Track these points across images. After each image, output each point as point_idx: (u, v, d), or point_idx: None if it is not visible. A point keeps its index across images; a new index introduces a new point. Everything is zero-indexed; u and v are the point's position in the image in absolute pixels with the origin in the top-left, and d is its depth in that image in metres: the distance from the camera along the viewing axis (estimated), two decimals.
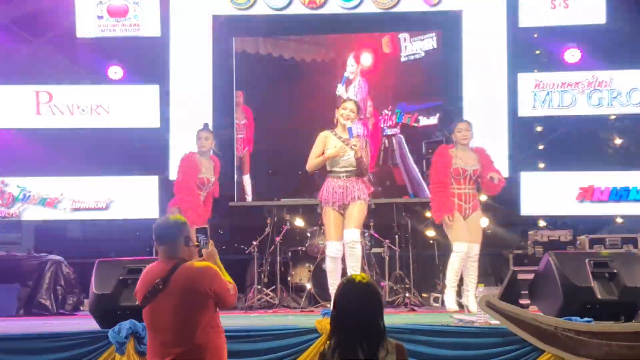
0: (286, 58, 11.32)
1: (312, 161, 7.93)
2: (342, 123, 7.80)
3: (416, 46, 11.09)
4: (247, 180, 11.15)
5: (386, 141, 11.01)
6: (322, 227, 9.88)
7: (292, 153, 10.96)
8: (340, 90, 10.98)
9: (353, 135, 7.75)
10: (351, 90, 10.94)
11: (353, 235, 7.76)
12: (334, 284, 7.73)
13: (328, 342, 3.75)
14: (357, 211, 7.78)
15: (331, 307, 3.91)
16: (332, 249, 7.83)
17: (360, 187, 7.84)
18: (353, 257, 7.74)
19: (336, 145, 7.78)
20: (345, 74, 11.04)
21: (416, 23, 11.25)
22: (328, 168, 7.92)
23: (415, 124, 10.93)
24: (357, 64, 11.03)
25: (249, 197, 11.12)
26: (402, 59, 11.13)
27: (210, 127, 9.44)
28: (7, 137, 11.10)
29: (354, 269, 7.65)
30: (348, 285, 3.80)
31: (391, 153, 10.97)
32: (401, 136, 10.98)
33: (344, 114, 7.78)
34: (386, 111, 11.06)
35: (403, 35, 11.15)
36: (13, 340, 5.96)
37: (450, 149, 8.29)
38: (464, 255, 8.01)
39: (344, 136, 7.79)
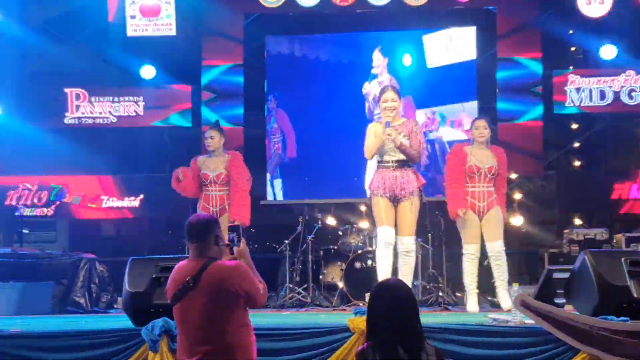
0: (322, 60, 11.24)
1: (366, 149, 7.58)
2: (385, 118, 7.43)
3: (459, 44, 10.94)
4: (272, 182, 11.14)
5: (428, 147, 10.74)
6: (355, 225, 9.88)
7: (327, 156, 10.89)
8: (367, 87, 10.90)
9: (389, 125, 7.41)
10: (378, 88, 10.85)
11: (407, 244, 7.49)
12: (386, 272, 7.43)
13: (369, 342, 3.74)
14: (410, 213, 7.48)
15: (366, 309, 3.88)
16: (384, 234, 7.47)
17: (411, 179, 7.51)
18: (407, 266, 7.49)
19: (376, 134, 7.45)
20: (372, 71, 10.94)
21: (448, 20, 11.18)
22: (378, 158, 7.61)
23: (459, 128, 10.68)
24: (382, 58, 10.89)
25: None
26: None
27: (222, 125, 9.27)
28: (42, 136, 11.18)
29: (407, 279, 7.33)
30: (380, 289, 3.80)
31: (433, 160, 10.73)
32: (444, 141, 10.76)
33: (387, 107, 7.47)
34: (428, 114, 10.89)
35: (447, 32, 11.01)
36: (48, 337, 5.99)
37: (465, 146, 8.13)
38: (473, 257, 7.88)
39: (393, 124, 7.47)
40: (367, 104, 10.94)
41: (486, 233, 7.82)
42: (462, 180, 7.88)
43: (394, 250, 7.55)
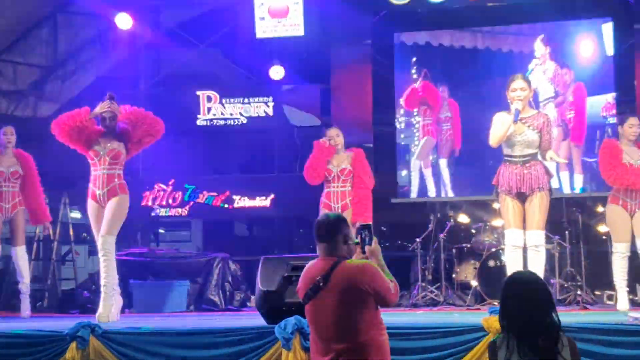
0: (468, 48, 11.10)
1: (492, 138, 7.28)
2: (513, 108, 7.14)
3: None
4: (428, 173, 11.08)
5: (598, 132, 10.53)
6: (488, 223, 9.68)
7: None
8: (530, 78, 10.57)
9: (517, 119, 7.10)
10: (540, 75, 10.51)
11: (536, 238, 7.18)
12: None
13: (500, 335, 3.70)
14: (539, 207, 7.15)
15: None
16: (512, 237, 7.22)
17: (541, 174, 7.18)
18: (536, 262, 7.16)
19: (504, 122, 7.15)
20: (534, 61, 10.63)
21: (584, 11, 10.81)
22: (504, 152, 7.32)
23: None
24: (544, 47, 10.56)
25: (414, 190, 10.99)
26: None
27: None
28: (176, 138, 11.43)
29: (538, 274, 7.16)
30: (513, 281, 3.76)
31: None
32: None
33: (515, 96, 7.17)
34: (608, 99, 10.58)
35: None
36: (185, 335, 6.11)
37: (617, 142, 7.78)
38: (622, 255, 7.57)
39: (522, 115, 7.18)
40: (541, 106, 10.53)
41: (635, 230, 7.52)
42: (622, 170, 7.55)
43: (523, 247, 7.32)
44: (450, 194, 11.11)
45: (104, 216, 7.37)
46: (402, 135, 11.50)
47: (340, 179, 8.38)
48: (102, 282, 7.37)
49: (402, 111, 11.40)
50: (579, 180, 10.65)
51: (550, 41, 10.70)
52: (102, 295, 7.34)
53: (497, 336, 3.73)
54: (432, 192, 11.21)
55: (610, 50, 10.70)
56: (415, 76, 11.34)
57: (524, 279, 3.74)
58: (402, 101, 11.31)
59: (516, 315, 3.62)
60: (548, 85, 10.70)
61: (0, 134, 8.55)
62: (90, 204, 7.48)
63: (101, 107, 7.37)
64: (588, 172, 10.56)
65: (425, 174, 11.25)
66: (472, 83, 11.17)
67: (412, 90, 11.30)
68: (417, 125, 11.38)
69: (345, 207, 8.31)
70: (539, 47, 10.66)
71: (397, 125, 11.38)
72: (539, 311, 3.60)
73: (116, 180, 7.43)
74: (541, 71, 10.63)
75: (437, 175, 11.22)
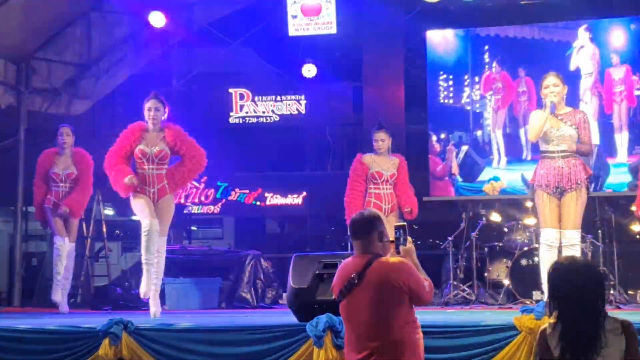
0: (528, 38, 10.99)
1: (530, 131, 7.44)
2: (548, 102, 7.16)
3: None
4: (498, 135, 10.93)
5: None
6: (520, 222, 9.62)
7: None
8: (574, 61, 10.57)
9: (554, 111, 7.11)
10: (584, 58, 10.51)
11: (572, 238, 7.16)
12: None
13: (551, 324, 3.56)
14: (576, 205, 7.14)
15: (546, 292, 3.69)
16: (548, 236, 7.20)
17: (579, 170, 7.16)
18: None
19: (540, 117, 7.20)
20: (575, 43, 10.61)
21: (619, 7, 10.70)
22: (541, 147, 7.32)
23: None
24: (586, 33, 10.59)
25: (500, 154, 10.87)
26: None
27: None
28: (208, 135, 11.47)
29: None
30: (560, 266, 3.59)
31: None
32: None
33: (548, 92, 7.19)
34: None
35: None
36: (216, 332, 6.12)
37: None
38: None
39: (556, 111, 7.17)
40: (583, 79, 10.58)
41: None
42: None
43: (558, 246, 7.27)
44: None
45: (161, 217, 7.41)
46: (477, 105, 11.17)
47: (388, 183, 8.36)
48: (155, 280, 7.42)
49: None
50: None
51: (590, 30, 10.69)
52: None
53: (548, 327, 3.57)
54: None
55: None
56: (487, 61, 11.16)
57: (570, 263, 3.58)
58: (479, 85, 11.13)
59: (563, 299, 3.49)
60: (588, 62, 10.63)
61: (58, 135, 8.70)
62: (141, 196, 7.42)
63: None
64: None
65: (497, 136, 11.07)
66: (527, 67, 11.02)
67: (487, 76, 11.11)
68: (491, 100, 11.13)
69: (394, 209, 8.29)
70: (582, 33, 10.65)
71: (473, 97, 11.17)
72: (585, 294, 3.46)
73: (165, 179, 7.50)
74: (582, 51, 10.61)
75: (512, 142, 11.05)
